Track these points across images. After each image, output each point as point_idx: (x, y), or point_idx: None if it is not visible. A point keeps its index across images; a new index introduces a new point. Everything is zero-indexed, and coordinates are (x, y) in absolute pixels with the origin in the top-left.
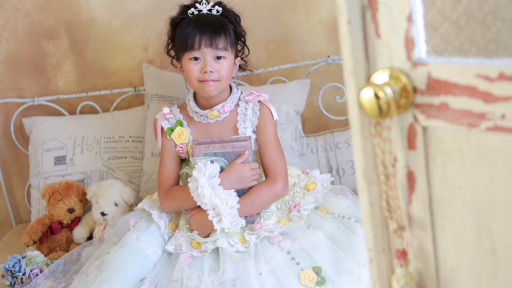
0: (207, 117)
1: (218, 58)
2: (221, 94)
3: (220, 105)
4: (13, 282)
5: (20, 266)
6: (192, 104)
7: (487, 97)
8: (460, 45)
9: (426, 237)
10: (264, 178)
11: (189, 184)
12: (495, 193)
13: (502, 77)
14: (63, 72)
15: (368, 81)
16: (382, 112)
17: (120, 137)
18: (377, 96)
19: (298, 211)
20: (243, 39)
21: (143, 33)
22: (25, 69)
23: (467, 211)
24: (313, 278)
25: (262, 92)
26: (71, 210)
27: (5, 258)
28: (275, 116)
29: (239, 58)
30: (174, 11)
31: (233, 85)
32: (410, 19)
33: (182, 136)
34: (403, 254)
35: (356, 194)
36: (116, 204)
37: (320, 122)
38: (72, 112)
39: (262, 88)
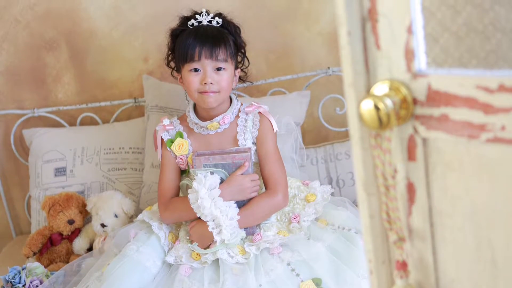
0: (207, 128)
1: (218, 69)
2: (221, 106)
3: (220, 116)
4: None
5: (20, 278)
6: (192, 116)
7: (487, 109)
8: (460, 57)
9: (426, 249)
10: (264, 189)
11: (189, 196)
12: (495, 204)
13: (502, 88)
14: (63, 83)
15: (368, 92)
16: (382, 123)
17: (120, 148)
18: (377, 108)
19: (298, 222)
20: (243, 51)
21: (143, 45)
22: (25, 81)
23: (467, 223)
24: None
25: (262, 103)
26: (71, 222)
27: (5, 270)
28: (275, 128)
29: (239, 70)
30: (174, 23)
31: (233, 97)
32: (410, 30)
33: (182, 148)
34: (403, 266)
35: (356, 205)
36: (116, 216)
37: (320, 133)
38: (72, 124)
39: (262, 100)
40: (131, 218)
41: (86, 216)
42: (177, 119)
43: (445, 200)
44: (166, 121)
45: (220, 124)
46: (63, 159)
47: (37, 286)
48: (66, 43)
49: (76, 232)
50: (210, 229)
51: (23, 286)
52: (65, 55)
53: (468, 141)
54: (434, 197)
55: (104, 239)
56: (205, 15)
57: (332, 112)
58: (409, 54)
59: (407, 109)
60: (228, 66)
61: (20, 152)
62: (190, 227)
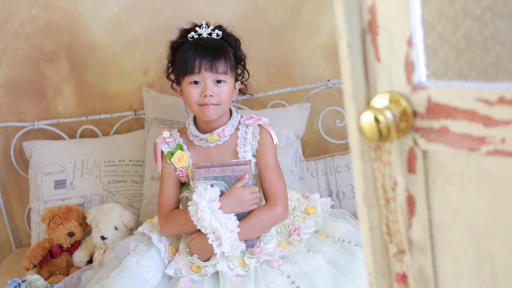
0: (207, 141)
1: (218, 82)
2: (221, 118)
3: (220, 129)
4: None
5: None
6: (192, 128)
7: (487, 121)
8: (460, 69)
9: (426, 261)
10: (264, 202)
11: (189, 208)
12: (495, 217)
13: (502, 101)
14: (63, 96)
15: (368, 105)
16: (382, 136)
17: (120, 161)
18: (377, 120)
19: (298, 235)
20: (243, 63)
21: (143, 57)
22: (25, 93)
23: (467, 235)
24: None
25: (262, 116)
26: (71, 234)
27: (5, 282)
28: (275, 140)
29: (239, 82)
30: (174, 35)
31: (233, 109)
32: (410, 42)
33: (182, 160)
34: (403, 278)
35: (356, 218)
36: (116, 228)
37: (320, 146)
38: (72, 136)
39: (262, 112)
40: (131, 231)
41: (86, 229)
42: (177, 131)
43: (445, 213)
44: (166, 134)
45: (220, 137)
46: (63, 172)
47: None
48: (66, 56)
49: (76, 245)
50: (210, 241)
51: None
52: (65, 67)
53: (468, 154)
54: (434, 209)
55: (104, 251)
56: (205, 27)
57: (332, 125)
58: (409, 67)
59: (407, 121)
60: (228, 79)
61: (20, 164)
62: (190, 239)
